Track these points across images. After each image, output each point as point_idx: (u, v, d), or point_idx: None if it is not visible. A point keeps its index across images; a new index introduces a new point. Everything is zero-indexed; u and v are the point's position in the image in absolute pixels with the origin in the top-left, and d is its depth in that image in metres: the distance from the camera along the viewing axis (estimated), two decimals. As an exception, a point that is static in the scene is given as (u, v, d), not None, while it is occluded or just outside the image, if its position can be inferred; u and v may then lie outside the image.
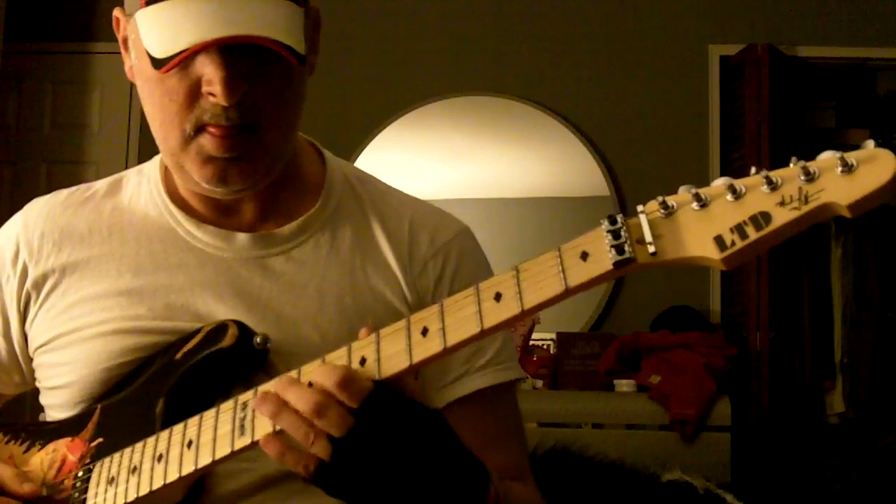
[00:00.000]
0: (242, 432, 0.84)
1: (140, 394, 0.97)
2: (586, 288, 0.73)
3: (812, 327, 3.66)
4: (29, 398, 1.14)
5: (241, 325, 0.96)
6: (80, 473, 0.96)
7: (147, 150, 3.84)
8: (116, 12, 1.00)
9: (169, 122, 0.94)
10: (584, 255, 0.73)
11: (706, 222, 0.69)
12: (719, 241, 0.68)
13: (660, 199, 0.71)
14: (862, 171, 0.65)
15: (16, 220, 1.11)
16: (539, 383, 3.29)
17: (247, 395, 0.86)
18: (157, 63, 0.90)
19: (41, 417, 1.09)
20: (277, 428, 0.81)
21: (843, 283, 3.64)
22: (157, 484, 0.88)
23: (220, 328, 0.96)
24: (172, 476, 0.87)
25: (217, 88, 0.90)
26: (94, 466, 0.95)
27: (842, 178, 0.65)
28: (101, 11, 4.03)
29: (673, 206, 0.71)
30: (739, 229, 0.67)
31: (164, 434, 0.90)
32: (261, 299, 1.00)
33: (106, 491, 0.92)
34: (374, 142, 3.94)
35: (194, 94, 0.92)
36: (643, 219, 0.71)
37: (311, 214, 1.05)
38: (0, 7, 3.84)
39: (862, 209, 0.65)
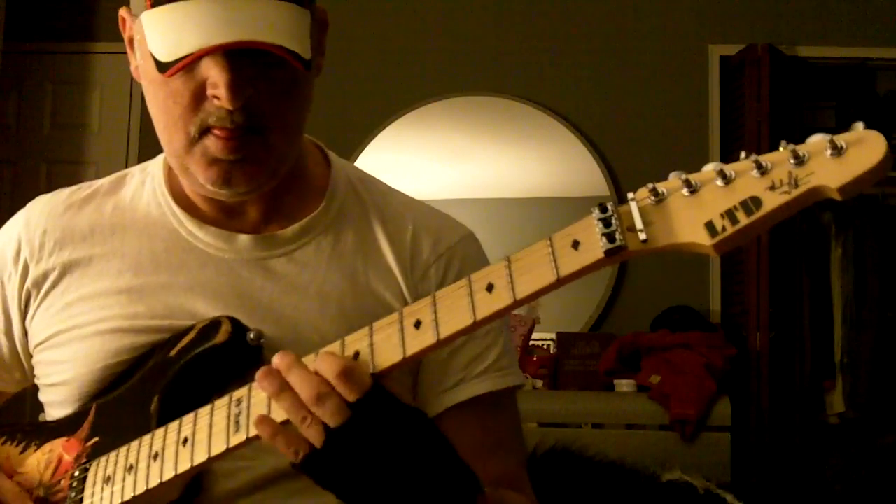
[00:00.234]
0: (237, 428, 0.84)
1: (135, 392, 0.97)
2: (578, 276, 0.73)
3: (812, 327, 3.66)
4: (29, 396, 1.14)
5: (234, 322, 0.96)
6: (77, 473, 0.96)
7: (147, 150, 3.84)
8: (122, 12, 1.00)
9: (173, 124, 0.94)
10: (576, 244, 0.72)
11: (697, 208, 0.69)
12: (710, 226, 0.68)
13: (650, 185, 0.71)
14: (851, 154, 0.64)
15: (18, 219, 1.11)
16: (539, 383, 3.29)
17: (241, 392, 0.86)
18: (162, 67, 0.89)
19: (41, 417, 1.09)
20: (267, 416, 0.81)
21: (843, 282, 3.64)
22: (154, 482, 0.88)
23: (214, 324, 0.96)
24: (169, 474, 0.87)
25: (222, 92, 0.89)
26: (90, 466, 0.95)
27: (831, 161, 0.65)
28: (101, 11, 4.03)
29: (663, 193, 0.71)
30: (730, 214, 0.67)
31: (160, 432, 0.90)
32: (261, 301, 1.00)
33: (102, 490, 0.92)
34: (374, 142, 3.94)
35: (199, 96, 0.92)
36: (633, 206, 0.71)
37: (314, 217, 1.05)
38: (0, 7, 3.84)
39: (852, 192, 0.65)
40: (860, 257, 3.65)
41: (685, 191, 0.70)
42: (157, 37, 0.90)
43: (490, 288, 0.76)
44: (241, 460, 0.90)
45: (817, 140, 0.66)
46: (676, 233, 0.69)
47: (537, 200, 3.98)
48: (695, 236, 0.68)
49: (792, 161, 0.66)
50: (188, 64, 0.89)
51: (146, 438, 0.91)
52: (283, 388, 0.79)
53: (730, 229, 0.67)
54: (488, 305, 0.75)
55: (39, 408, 1.09)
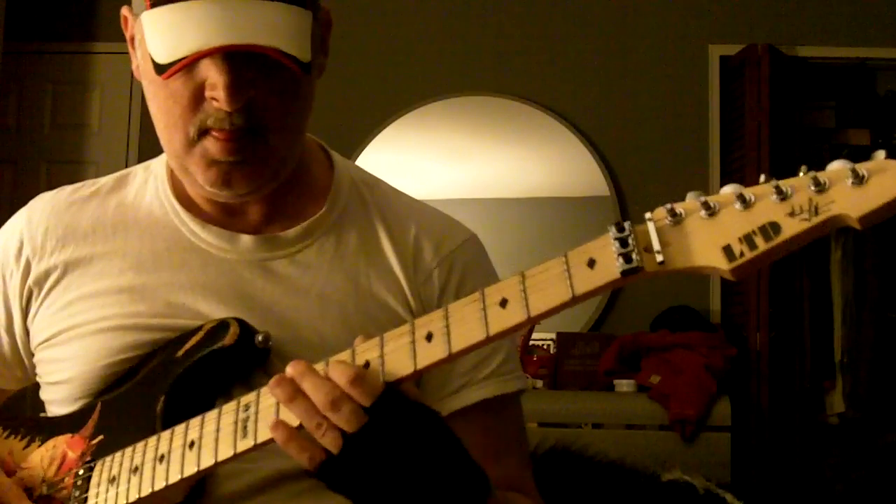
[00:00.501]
0: (245, 434, 0.83)
1: (140, 391, 0.97)
2: (593, 295, 0.72)
3: (812, 327, 3.66)
4: (30, 393, 1.14)
5: (242, 324, 0.95)
6: (81, 472, 0.96)
7: (147, 150, 3.84)
8: (124, 11, 1.00)
9: (173, 124, 0.94)
10: (591, 263, 0.72)
11: (714, 231, 0.68)
12: (728, 250, 0.67)
13: (668, 206, 0.70)
14: (873, 183, 0.63)
15: (20, 216, 1.11)
16: (539, 383, 3.29)
17: (249, 397, 0.85)
18: (160, 68, 0.89)
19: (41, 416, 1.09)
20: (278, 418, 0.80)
21: (843, 283, 3.64)
22: (159, 485, 0.88)
23: (222, 326, 0.96)
24: (174, 477, 0.87)
25: (220, 94, 0.89)
26: (94, 465, 0.95)
27: (853, 190, 0.64)
28: (101, 11, 4.03)
29: (681, 214, 0.70)
30: (748, 239, 0.67)
31: (166, 434, 0.90)
32: (263, 302, 1.00)
33: (107, 490, 0.92)
34: (374, 142, 3.94)
35: (198, 97, 0.92)
36: (651, 226, 0.70)
37: (317, 218, 1.04)
38: (0, 7, 3.84)
39: (872, 222, 0.64)
40: (860, 258, 3.65)
41: (703, 213, 0.69)
42: (155, 38, 0.89)
43: (504, 303, 0.75)
44: (244, 462, 0.90)
45: (838, 168, 0.65)
46: (694, 255, 0.69)
47: (537, 200, 3.98)
48: (712, 260, 0.68)
49: (812, 188, 0.65)
50: (185, 66, 0.88)
51: (152, 440, 0.91)
52: (296, 395, 0.79)
53: (748, 254, 0.66)
54: (502, 321, 0.75)
55: (40, 405, 1.09)
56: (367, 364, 0.80)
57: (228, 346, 0.94)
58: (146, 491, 0.89)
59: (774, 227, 0.66)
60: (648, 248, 0.70)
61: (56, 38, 4.09)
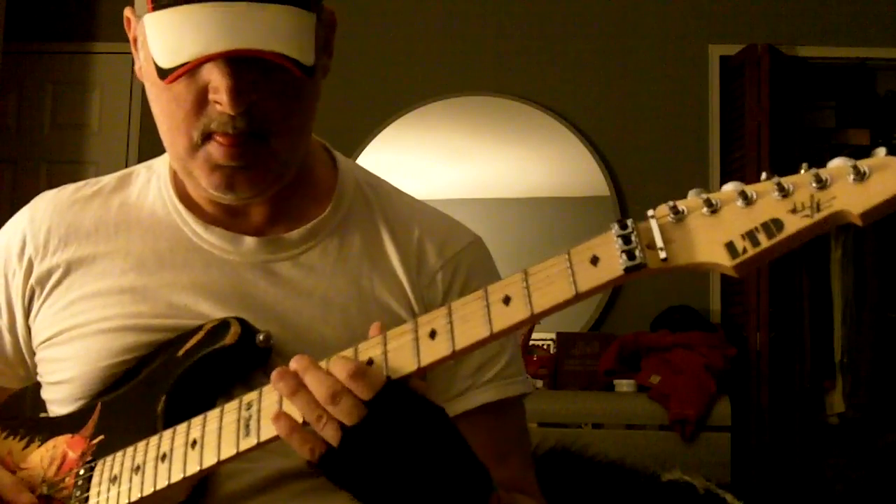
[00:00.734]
0: (248, 433, 0.83)
1: (141, 391, 0.97)
2: (596, 293, 0.73)
3: (812, 327, 3.66)
4: (30, 392, 1.14)
5: (243, 323, 0.95)
6: (82, 472, 0.96)
7: (147, 150, 3.84)
8: (127, 12, 0.99)
9: (176, 128, 0.94)
10: (595, 260, 0.72)
11: (717, 228, 0.68)
12: (731, 247, 0.67)
13: (670, 203, 0.71)
14: (874, 180, 0.64)
15: (23, 214, 1.10)
16: (539, 383, 3.29)
17: (251, 395, 0.85)
18: (162, 73, 0.89)
19: (42, 415, 1.09)
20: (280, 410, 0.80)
21: (843, 283, 3.64)
22: (162, 484, 0.88)
23: (223, 325, 0.95)
24: (177, 476, 0.87)
25: (223, 97, 0.89)
26: (95, 465, 0.95)
27: (854, 186, 0.64)
28: (101, 11, 4.03)
29: (683, 211, 0.70)
30: (751, 236, 0.67)
31: (168, 433, 0.90)
32: (265, 304, 1.00)
33: (109, 490, 0.92)
34: (374, 142, 3.94)
35: (201, 101, 0.91)
36: (654, 223, 0.71)
37: (321, 220, 1.04)
38: (0, 7, 3.84)
39: (873, 218, 0.64)
40: (860, 258, 3.65)
41: (705, 210, 0.69)
42: (158, 41, 0.89)
43: (507, 300, 0.75)
44: (245, 462, 0.90)
45: (840, 164, 0.66)
46: (696, 252, 0.69)
47: (537, 200, 3.98)
48: (715, 256, 0.68)
49: (814, 184, 0.66)
50: (188, 71, 0.88)
51: (153, 439, 0.91)
52: (298, 388, 0.79)
53: (751, 251, 0.67)
54: (505, 318, 0.75)
55: (40, 405, 1.09)
56: (370, 361, 0.80)
57: (229, 346, 0.94)
58: (148, 490, 0.89)
59: (777, 224, 0.66)
60: (651, 245, 0.70)
61: (56, 38, 4.09)
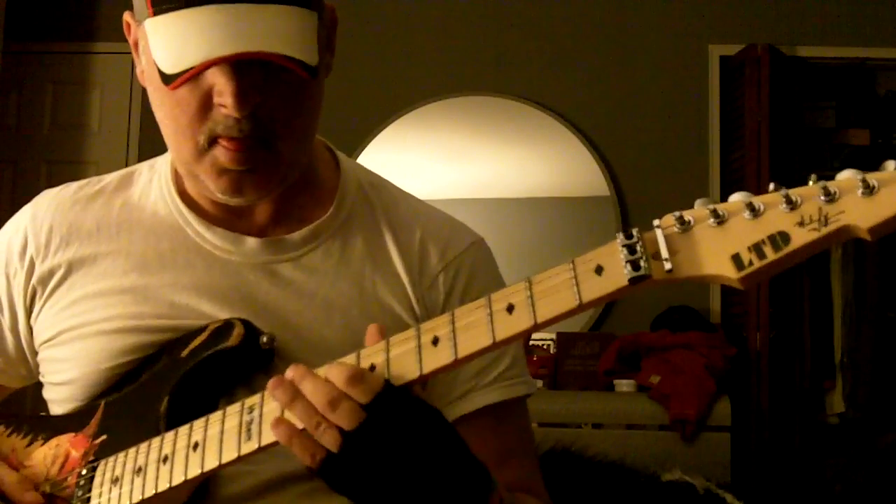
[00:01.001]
0: (249, 436, 0.83)
1: (144, 391, 0.97)
2: (600, 303, 0.72)
3: (812, 327, 3.66)
4: (30, 391, 1.14)
5: (246, 324, 0.95)
6: (84, 472, 0.96)
7: (147, 149, 3.84)
8: (126, 17, 0.98)
9: (181, 133, 0.93)
10: (599, 270, 0.71)
11: (723, 240, 0.68)
12: (737, 259, 0.67)
13: (676, 213, 0.70)
14: (883, 194, 0.63)
15: (25, 213, 1.10)
16: (539, 383, 3.29)
17: (253, 399, 0.85)
18: (167, 78, 0.88)
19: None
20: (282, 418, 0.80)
21: (843, 283, 3.64)
22: (163, 486, 0.88)
23: (226, 326, 0.95)
24: (178, 478, 0.87)
25: (228, 100, 0.88)
26: (98, 465, 0.95)
27: (862, 201, 0.63)
28: (102, 11, 4.03)
29: (690, 222, 0.69)
30: (757, 248, 0.66)
31: (170, 435, 0.90)
32: (267, 306, 0.99)
33: (110, 491, 0.92)
34: (374, 142, 3.94)
35: (206, 105, 0.91)
36: (659, 233, 0.70)
37: (323, 221, 1.04)
38: (0, 7, 3.84)
39: (882, 233, 0.63)
40: (860, 257, 3.66)
41: (712, 221, 0.68)
42: (160, 46, 0.88)
43: (510, 309, 0.75)
44: (247, 464, 0.89)
45: (848, 177, 0.65)
46: (702, 264, 0.68)
47: (537, 200, 3.98)
48: (721, 268, 0.67)
49: (822, 197, 0.65)
50: (193, 76, 0.87)
51: (155, 441, 0.91)
52: (295, 397, 0.79)
53: (757, 264, 0.66)
54: (508, 327, 0.74)
55: (41, 404, 1.09)
56: (372, 367, 0.80)
57: (233, 347, 0.94)
58: (150, 492, 0.88)
59: (784, 237, 0.66)
60: (657, 256, 0.69)
61: (56, 38, 4.09)
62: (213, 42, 0.85)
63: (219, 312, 0.98)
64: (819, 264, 3.67)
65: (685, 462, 2.55)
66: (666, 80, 3.88)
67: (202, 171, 0.95)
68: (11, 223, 1.11)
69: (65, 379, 1.03)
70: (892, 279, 3.68)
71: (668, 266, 0.69)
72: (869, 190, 0.63)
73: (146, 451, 0.91)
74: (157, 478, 0.88)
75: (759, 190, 0.69)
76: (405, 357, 0.79)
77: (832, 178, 0.66)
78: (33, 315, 1.06)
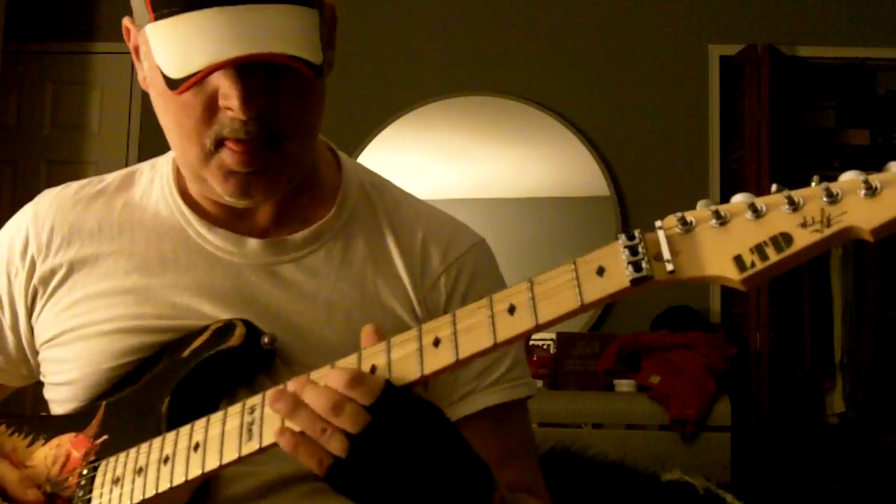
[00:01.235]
0: (250, 437, 0.83)
1: (145, 392, 0.97)
2: (602, 304, 0.72)
3: (812, 327, 3.66)
4: (30, 391, 1.14)
5: (248, 325, 0.95)
6: (85, 472, 0.96)
7: (147, 150, 3.84)
8: (126, 22, 0.98)
9: (187, 137, 0.93)
10: (601, 271, 0.71)
11: (725, 241, 0.68)
12: (739, 261, 0.66)
13: (678, 214, 0.70)
14: (886, 195, 0.63)
15: (26, 212, 1.10)
16: (539, 383, 3.29)
17: (254, 400, 0.85)
18: (172, 83, 0.88)
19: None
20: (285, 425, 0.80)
21: (843, 283, 3.64)
22: (164, 486, 0.87)
23: (228, 327, 0.95)
24: (179, 479, 0.87)
25: (234, 103, 0.88)
26: (99, 465, 0.95)
27: (865, 202, 0.63)
28: (101, 11, 4.03)
29: (692, 223, 0.69)
30: (759, 250, 0.66)
31: (171, 436, 0.90)
32: (269, 307, 0.99)
33: (111, 491, 0.92)
34: (374, 142, 3.94)
35: (211, 108, 0.90)
36: (661, 234, 0.70)
37: (325, 222, 1.04)
38: (0, 7, 3.85)
39: (885, 234, 0.63)
40: (860, 257, 3.66)
41: (714, 222, 0.68)
42: (163, 51, 0.88)
43: (512, 310, 0.74)
44: (247, 465, 0.89)
45: (850, 178, 0.65)
46: (704, 265, 0.68)
47: (537, 200, 3.98)
48: (723, 270, 0.67)
49: (825, 199, 0.65)
50: (199, 80, 0.87)
51: (156, 441, 0.90)
52: (297, 406, 0.78)
53: (759, 265, 0.66)
54: (510, 328, 0.74)
55: (41, 404, 1.08)
56: (373, 369, 0.80)
57: (234, 347, 0.93)
58: (150, 492, 0.88)
59: (786, 238, 0.65)
60: (658, 257, 0.69)
61: (56, 38, 4.09)
62: (218, 45, 0.85)
63: (220, 313, 0.98)
64: (819, 264, 3.67)
65: (685, 462, 2.55)
66: (666, 80, 3.88)
67: (209, 174, 0.94)
68: (13, 222, 1.11)
69: (66, 379, 1.02)
70: (892, 279, 3.68)
71: (670, 267, 0.69)
72: (871, 191, 0.63)
73: (147, 452, 0.91)
74: (157, 478, 0.88)
75: (759, 189, 0.69)
76: (406, 358, 0.79)
77: (834, 178, 0.66)
78: (34, 315, 1.06)
